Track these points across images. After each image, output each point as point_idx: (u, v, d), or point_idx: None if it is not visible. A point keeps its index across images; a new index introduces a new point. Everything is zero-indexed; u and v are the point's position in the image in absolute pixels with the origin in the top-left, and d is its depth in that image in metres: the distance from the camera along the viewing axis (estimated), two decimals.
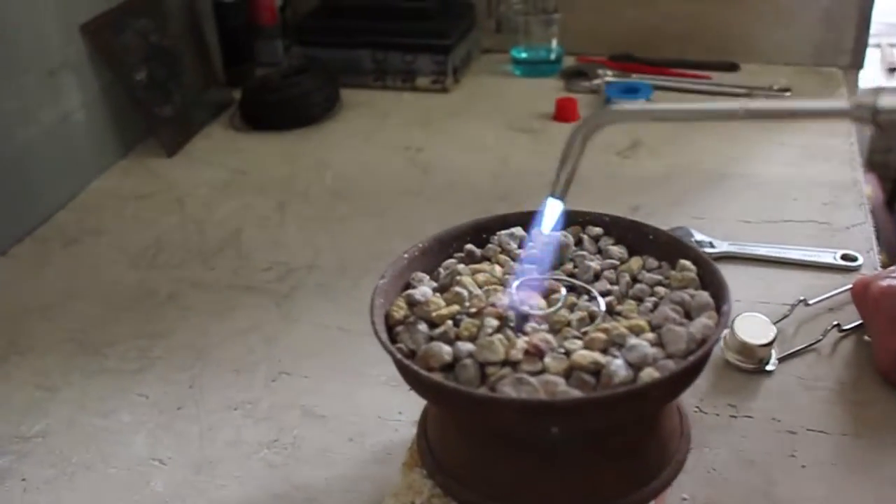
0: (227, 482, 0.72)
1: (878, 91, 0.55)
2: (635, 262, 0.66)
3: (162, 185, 1.17)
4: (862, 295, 0.80)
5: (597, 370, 0.55)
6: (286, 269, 0.98)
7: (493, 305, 0.59)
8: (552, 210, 0.65)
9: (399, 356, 0.57)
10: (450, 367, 0.57)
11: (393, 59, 1.39)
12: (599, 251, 0.68)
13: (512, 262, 0.66)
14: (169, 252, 1.02)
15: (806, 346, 0.81)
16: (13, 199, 1.05)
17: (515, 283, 0.62)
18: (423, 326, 0.60)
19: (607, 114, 0.63)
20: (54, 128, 1.10)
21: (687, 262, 0.64)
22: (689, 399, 0.74)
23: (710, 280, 0.62)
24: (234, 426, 0.77)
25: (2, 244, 1.04)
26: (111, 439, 0.76)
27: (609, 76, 1.36)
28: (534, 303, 0.61)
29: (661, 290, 0.63)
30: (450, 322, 0.60)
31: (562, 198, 0.64)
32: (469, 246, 0.68)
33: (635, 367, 0.55)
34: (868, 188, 2.33)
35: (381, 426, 0.76)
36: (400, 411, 0.77)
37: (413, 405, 0.73)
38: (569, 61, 1.43)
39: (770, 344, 0.79)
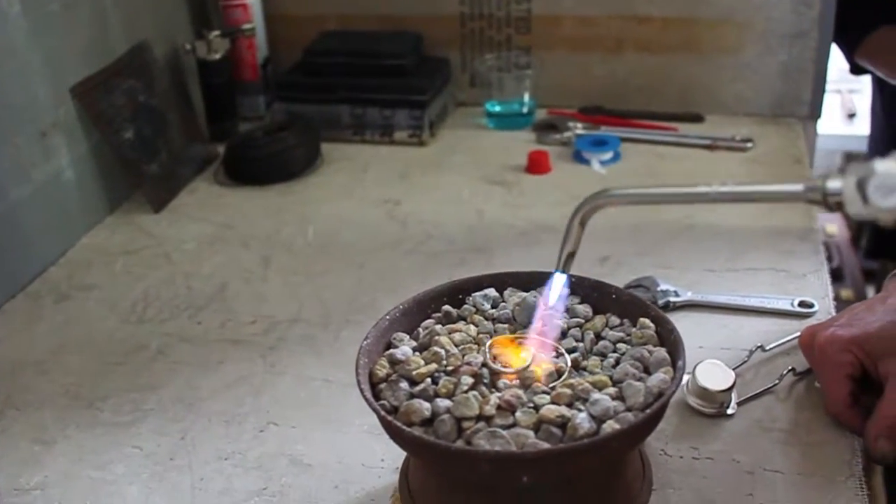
0: None
1: (826, 175, 0.63)
2: (599, 321, 0.71)
3: (149, 240, 1.21)
4: (809, 344, 0.83)
5: (563, 423, 0.60)
6: (271, 323, 1.02)
7: (468, 364, 0.64)
8: (557, 283, 0.73)
9: (382, 413, 0.62)
10: (429, 422, 0.62)
11: (371, 114, 1.44)
12: (566, 310, 0.74)
13: (486, 322, 0.71)
14: (157, 307, 1.06)
15: (763, 390, 0.85)
16: (6, 255, 1.09)
17: (489, 343, 0.67)
18: (404, 384, 0.64)
19: (602, 197, 0.72)
20: (45, 186, 1.15)
21: (646, 321, 0.69)
22: (655, 443, 0.78)
23: (667, 337, 0.67)
24: (224, 476, 0.81)
25: None
26: (107, 490, 0.80)
27: (579, 129, 1.41)
28: (506, 360, 0.66)
29: (622, 346, 0.68)
30: (429, 380, 0.64)
31: (565, 272, 0.73)
32: (446, 307, 0.73)
33: (598, 419, 0.60)
34: (834, 227, 2.41)
35: (365, 473, 0.79)
36: (382, 458, 0.80)
37: (394, 453, 0.77)
38: (541, 114, 1.48)
39: (729, 389, 0.82)
